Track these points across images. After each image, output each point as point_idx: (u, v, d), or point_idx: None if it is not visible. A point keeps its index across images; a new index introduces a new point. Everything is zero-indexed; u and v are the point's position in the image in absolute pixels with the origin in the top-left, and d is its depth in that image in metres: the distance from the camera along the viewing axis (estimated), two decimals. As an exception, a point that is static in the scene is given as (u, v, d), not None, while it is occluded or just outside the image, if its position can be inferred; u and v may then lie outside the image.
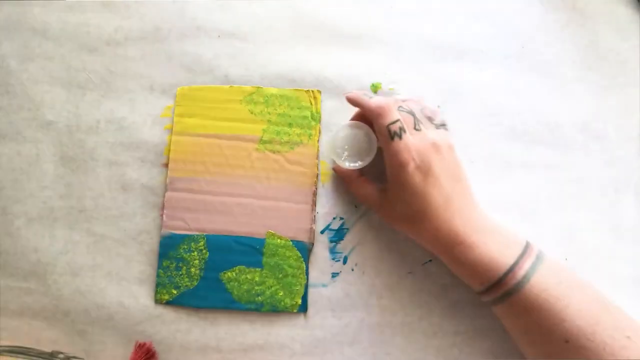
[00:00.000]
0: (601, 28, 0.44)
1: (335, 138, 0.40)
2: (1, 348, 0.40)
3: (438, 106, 0.43)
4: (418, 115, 0.37)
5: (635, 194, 0.42)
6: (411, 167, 0.35)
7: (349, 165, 0.39)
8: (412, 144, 0.35)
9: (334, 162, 0.41)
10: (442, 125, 0.38)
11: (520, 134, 0.43)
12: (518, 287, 0.34)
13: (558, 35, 0.44)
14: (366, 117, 0.39)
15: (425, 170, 0.35)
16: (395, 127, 0.35)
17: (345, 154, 0.39)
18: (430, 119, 0.38)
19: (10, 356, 0.40)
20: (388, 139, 0.35)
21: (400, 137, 0.35)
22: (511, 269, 0.34)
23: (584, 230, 0.42)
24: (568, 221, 0.42)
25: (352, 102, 0.38)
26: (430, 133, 0.37)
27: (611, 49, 0.44)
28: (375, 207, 0.39)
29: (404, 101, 0.39)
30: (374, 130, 0.38)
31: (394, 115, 0.36)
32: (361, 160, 0.39)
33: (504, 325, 0.37)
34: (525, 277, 0.34)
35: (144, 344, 0.40)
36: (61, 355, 0.41)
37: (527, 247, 0.35)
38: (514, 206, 0.42)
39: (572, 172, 0.43)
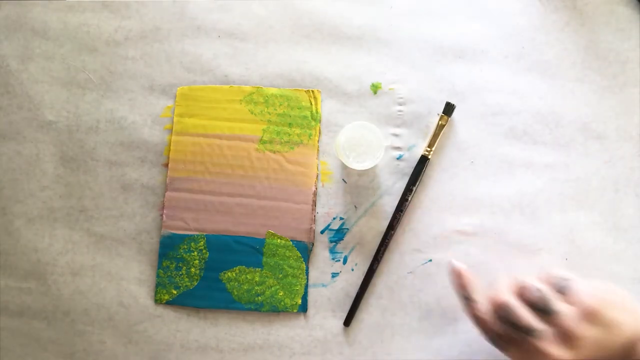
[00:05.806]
0: (601, 28, 0.44)
1: (340, 139, 0.40)
2: None
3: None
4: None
5: (635, 194, 0.42)
6: None
7: (356, 165, 0.40)
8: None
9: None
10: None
11: (520, 134, 0.43)
12: None
13: (558, 35, 0.44)
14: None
15: None
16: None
17: (352, 155, 0.40)
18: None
19: None
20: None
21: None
22: None
23: (584, 230, 0.42)
24: (568, 221, 0.42)
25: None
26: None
27: (611, 49, 0.44)
28: None
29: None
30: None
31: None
32: (368, 161, 0.40)
33: None
34: None
35: None
36: None
37: None
38: (514, 206, 0.42)
39: (572, 172, 0.43)
